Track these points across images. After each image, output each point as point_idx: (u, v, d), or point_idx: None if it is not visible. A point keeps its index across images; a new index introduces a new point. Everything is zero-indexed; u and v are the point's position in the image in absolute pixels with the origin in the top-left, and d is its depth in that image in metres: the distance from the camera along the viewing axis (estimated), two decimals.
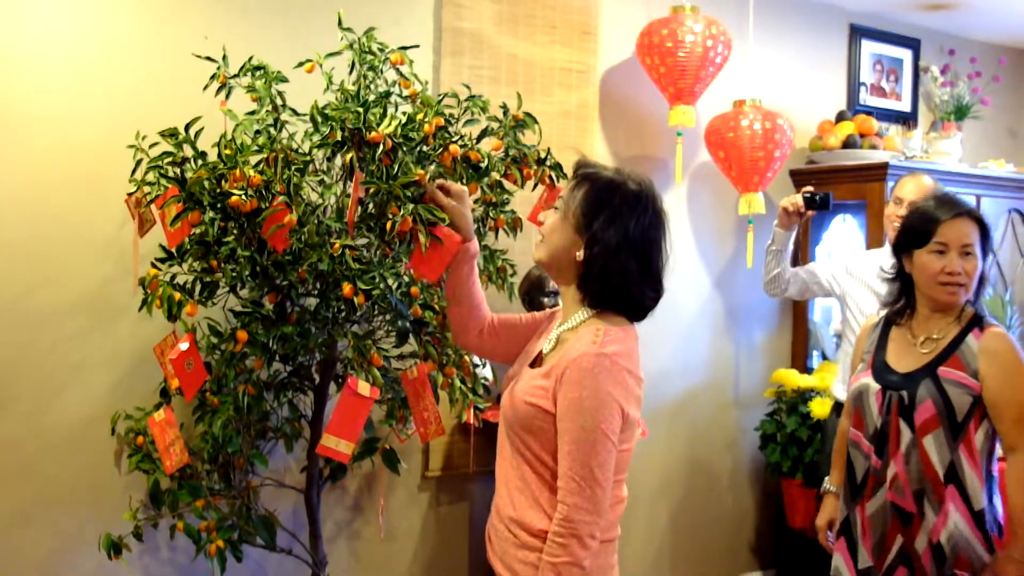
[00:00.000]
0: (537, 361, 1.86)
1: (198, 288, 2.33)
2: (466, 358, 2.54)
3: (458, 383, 2.51)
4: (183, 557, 2.85)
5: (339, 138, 2.17)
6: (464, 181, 2.30)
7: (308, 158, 2.24)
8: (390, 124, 2.15)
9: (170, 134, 2.31)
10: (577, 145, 3.56)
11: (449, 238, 1.96)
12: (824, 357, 4.28)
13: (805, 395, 3.88)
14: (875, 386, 2.31)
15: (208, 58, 2.45)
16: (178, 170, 2.26)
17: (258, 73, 2.38)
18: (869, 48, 4.52)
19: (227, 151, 2.20)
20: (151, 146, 2.42)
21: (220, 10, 2.88)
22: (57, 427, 2.69)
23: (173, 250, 2.29)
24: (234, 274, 2.30)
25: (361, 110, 2.17)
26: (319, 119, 2.22)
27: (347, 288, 2.15)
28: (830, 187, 3.81)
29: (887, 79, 4.61)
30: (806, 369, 4.21)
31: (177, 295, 2.30)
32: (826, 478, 2.57)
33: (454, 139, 2.29)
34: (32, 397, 2.66)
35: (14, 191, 2.61)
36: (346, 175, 2.31)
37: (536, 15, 3.50)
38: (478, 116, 2.43)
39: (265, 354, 2.34)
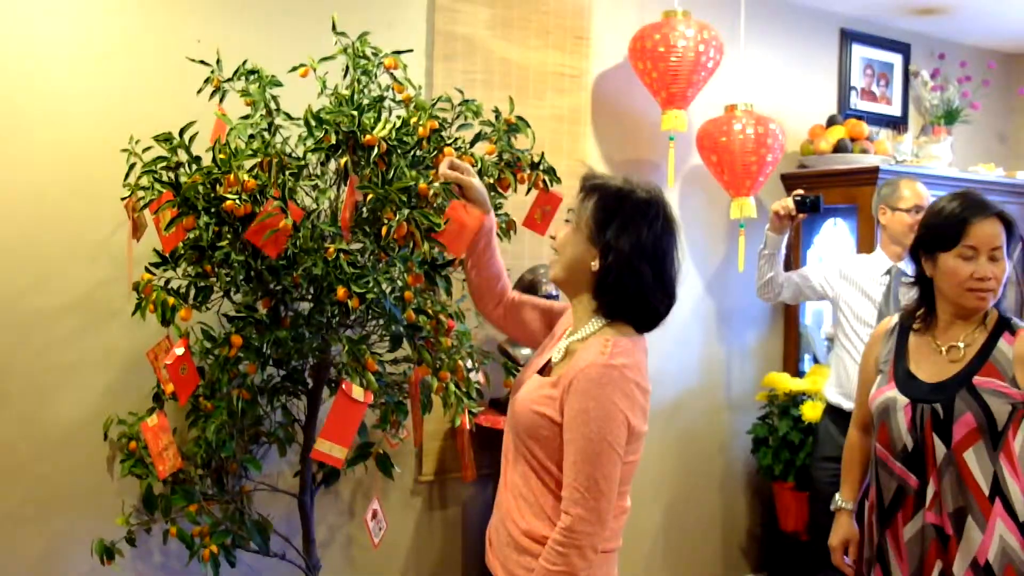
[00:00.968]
0: (546, 370, 1.86)
1: (192, 293, 2.32)
2: (460, 362, 2.54)
3: (452, 387, 2.51)
4: (176, 562, 2.84)
5: (334, 142, 2.17)
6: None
7: (303, 162, 2.24)
8: (385, 127, 2.15)
9: (164, 139, 2.30)
10: (569, 150, 3.57)
11: (472, 214, 2.00)
12: (816, 360, 4.29)
13: (797, 398, 3.89)
14: (903, 400, 2.15)
15: (202, 62, 2.44)
16: (172, 175, 2.26)
17: (252, 77, 2.38)
18: (860, 52, 4.55)
19: (221, 155, 2.20)
20: (144, 150, 2.42)
21: (214, 14, 2.87)
22: (50, 430, 2.67)
23: (167, 254, 2.29)
24: (228, 278, 2.29)
25: (356, 113, 2.17)
26: (313, 123, 2.22)
27: (341, 292, 2.15)
28: (821, 191, 3.82)
29: (877, 83, 4.63)
30: (798, 372, 4.22)
31: (171, 300, 2.30)
32: (837, 495, 2.42)
33: (448, 142, 2.29)
34: (24, 399, 2.64)
35: (7, 194, 2.60)
36: (340, 179, 2.31)
37: (529, 20, 3.51)
38: (471, 120, 2.44)
39: (259, 358, 2.34)
